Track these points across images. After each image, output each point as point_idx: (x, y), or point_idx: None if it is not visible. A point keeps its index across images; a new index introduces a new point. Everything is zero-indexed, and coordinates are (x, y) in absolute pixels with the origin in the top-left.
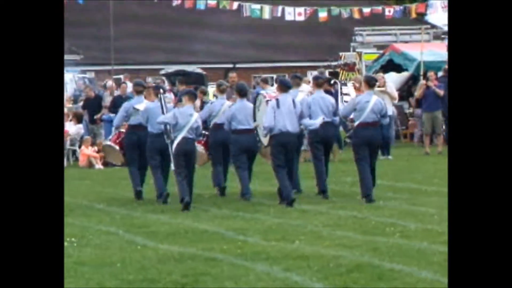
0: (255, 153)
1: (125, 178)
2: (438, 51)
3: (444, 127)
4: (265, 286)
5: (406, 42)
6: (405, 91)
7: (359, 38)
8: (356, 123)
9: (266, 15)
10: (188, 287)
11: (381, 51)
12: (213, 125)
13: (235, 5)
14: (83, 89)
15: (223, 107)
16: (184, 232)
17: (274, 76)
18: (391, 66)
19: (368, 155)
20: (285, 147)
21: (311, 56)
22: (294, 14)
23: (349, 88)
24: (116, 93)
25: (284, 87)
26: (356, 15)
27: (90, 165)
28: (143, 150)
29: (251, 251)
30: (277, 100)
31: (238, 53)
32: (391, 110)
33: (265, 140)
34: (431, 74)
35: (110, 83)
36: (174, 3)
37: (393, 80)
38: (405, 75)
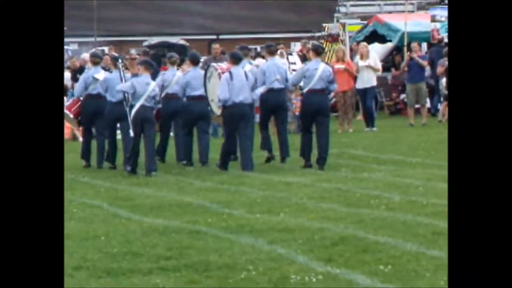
0: (209, 119)
1: None
2: (422, 22)
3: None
4: (249, 259)
5: (389, 12)
6: (389, 62)
7: (342, 9)
8: (305, 90)
9: None
10: (172, 260)
11: (365, 22)
12: (165, 95)
13: None
14: (68, 60)
15: (175, 78)
16: (169, 205)
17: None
18: (374, 36)
19: (317, 123)
20: (239, 117)
21: (295, 28)
22: None
23: (295, 57)
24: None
25: (235, 59)
26: None
27: (74, 138)
28: (101, 119)
29: (236, 224)
30: (230, 72)
31: (221, 25)
32: (374, 81)
33: (217, 110)
34: (414, 45)
35: (85, 54)
36: None
37: (376, 51)
38: (388, 46)
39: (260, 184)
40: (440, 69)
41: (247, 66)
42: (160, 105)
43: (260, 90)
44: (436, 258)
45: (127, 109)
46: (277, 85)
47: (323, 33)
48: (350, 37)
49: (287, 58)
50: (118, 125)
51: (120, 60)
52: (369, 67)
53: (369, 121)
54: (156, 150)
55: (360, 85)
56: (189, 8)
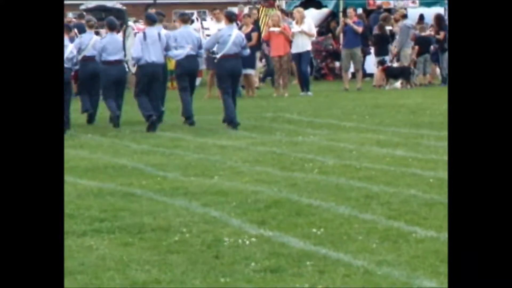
0: (124, 82)
1: None
2: None
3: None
4: (183, 221)
5: None
6: (324, 28)
7: None
8: (219, 55)
9: None
10: (106, 222)
11: None
12: (83, 58)
13: None
14: None
15: (92, 41)
16: (104, 167)
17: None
18: (310, 2)
19: (231, 85)
20: (150, 76)
21: None
22: None
23: (209, 23)
24: None
25: (150, 20)
26: None
27: None
28: None
29: (170, 187)
30: (143, 32)
31: None
32: (309, 46)
33: (133, 69)
34: (350, 11)
35: None
36: None
37: (312, 17)
38: (324, 11)
39: (194, 147)
40: None
41: (162, 31)
42: (77, 67)
43: (183, 51)
44: (368, 221)
45: None
46: (189, 52)
47: None
48: (286, 2)
49: (201, 24)
50: None
51: None
52: (303, 32)
53: (304, 85)
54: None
55: (294, 50)
56: None
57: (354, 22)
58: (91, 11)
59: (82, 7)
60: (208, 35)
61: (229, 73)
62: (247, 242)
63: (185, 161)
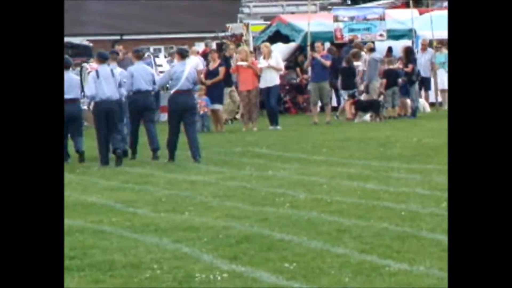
0: (80, 120)
1: None
2: (325, 22)
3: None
4: (154, 258)
5: (292, 13)
6: (292, 62)
7: (246, 10)
8: (172, 91)
9: None
10: (76, 259)
11: (268, 22)
12: None
13: None
14: None
15: None
16: (73, 204)
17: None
18: (278, 37)
19: (185, 121)
20: (106, 112)
21: (198, 28)
22: None
23: (162, 60)
24: None
25: (101, 59)
26: None
27: None
28: None
29: (141, 223)
30: (96, 71)
31: (125, 25)
32: (277, 81)
33: (91, 107)
34: (318, 44)
35: None
36: None
37: (280, 51)
38: (292, 45)
39: (164, 183)
40: None
41: (117, 69)
42: None
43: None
44: (340, 255)
45: None
46: (144, 87)
47: (226, 33)
48: (253, 37)
49: (154, 61)
50: None
51: None
52: (271, 67)
53: (273, 119)
54: None
55: (263, 84)
56: (93, 8)
57: (322, 56)
58: None
59: None
60: (161, 72)
61: (182, 108)
62: (219, 278)
63: (155, 197)
